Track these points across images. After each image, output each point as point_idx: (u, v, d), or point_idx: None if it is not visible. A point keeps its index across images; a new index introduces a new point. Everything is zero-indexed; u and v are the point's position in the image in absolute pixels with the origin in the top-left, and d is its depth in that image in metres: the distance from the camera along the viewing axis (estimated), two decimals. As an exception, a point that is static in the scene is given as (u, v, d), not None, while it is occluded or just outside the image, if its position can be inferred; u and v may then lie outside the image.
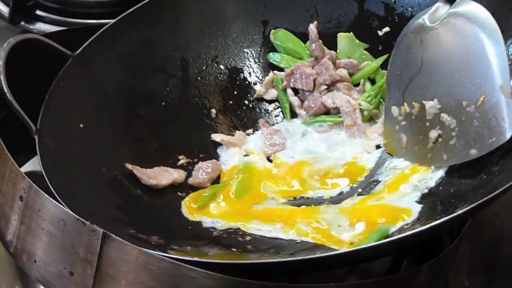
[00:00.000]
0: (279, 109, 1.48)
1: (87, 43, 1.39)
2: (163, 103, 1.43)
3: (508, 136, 1.13)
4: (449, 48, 1.25)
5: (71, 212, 1.04)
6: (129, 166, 1.29)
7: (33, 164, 1.20)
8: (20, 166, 1.17)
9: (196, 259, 1.04)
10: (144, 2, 1.47)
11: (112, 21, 1.43)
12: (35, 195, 1.07)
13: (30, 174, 1.12)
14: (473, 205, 1.02)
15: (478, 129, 1.17)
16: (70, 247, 1.04)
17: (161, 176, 1.31)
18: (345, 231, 1.20)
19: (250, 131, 1.45)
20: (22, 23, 1.69)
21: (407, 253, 1.21)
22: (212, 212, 1.27)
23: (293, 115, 1.47)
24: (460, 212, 1.02)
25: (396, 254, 1.24)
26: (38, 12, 1.71)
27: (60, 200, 1.09)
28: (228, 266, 1.05)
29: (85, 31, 1.40)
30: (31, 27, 1.68)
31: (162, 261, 0.99)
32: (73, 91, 1.34)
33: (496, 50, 1.17)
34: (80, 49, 1.38)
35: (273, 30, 1.54)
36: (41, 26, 1.69)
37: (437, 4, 1.31)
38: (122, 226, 1.16)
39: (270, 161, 1.39)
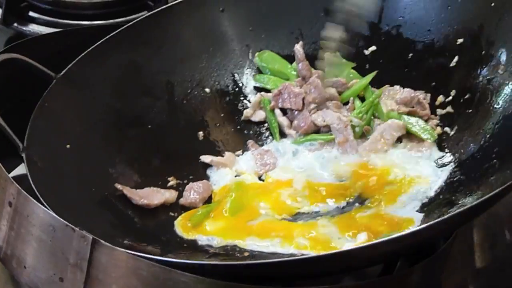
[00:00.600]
0: (268, 130, 1.45)
1: (71, 64, 1.37)
2: (150, 126, 1.40)
3: None
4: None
5: (60, 218, 1.02)
6: (119, 186, 1.26)
7: (23, 169, 1.15)
8: (10, 171, 1.17)
9: (186, 261, 1.04)
10: (130, 24, 1.45)
11: (98, 43, 1.40)
12: (24, 201, 1.06)
13: (20, 178, 1.11)
14: (470, 205, 1.02)
15: None
16: (60, 253, 1.03)
17: (153, 196, 1.27)
18: (346, 241, 1.17)
19: (239, 152, 1.42)
20: (15, 24, 1.67)
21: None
22: (207, 230, 1.23)
23: (282, 135, 1.43)
24: (457, 212, 1.02)
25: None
26: (31, 14, 1.70)
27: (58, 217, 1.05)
28: (221, 268, 1.03)
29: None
30: (24, 28, 1.67)
31: (152, 266, 0.98)
32: (58, 112, 1.31)
33: None
34: (64, 70, 1.35)
35: (258, 52, 1.52)
36: (34, 28, 1.67)
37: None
38: (118, 239, 1.12)
39: (262, 180, 1.35)
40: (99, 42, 1.40)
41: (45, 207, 1.06)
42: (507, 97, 1.28)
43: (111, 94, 1.39)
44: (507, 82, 1.29)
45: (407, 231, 1.06)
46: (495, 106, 1.29)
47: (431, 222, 0.99)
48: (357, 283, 1.10)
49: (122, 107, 1.39)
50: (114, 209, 1.23)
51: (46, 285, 1.04)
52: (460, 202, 1.15)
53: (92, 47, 1.39)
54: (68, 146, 1.27)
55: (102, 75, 1.39)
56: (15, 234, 1.07)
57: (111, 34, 1.42)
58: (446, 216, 1.00)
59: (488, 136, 1.26)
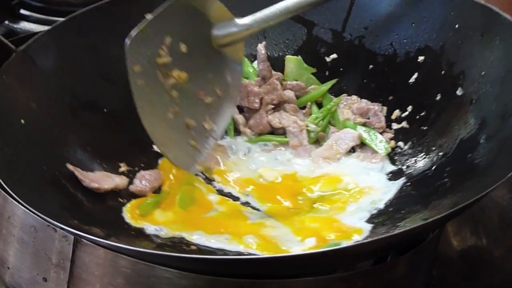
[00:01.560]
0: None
1: (31, 40, 1.35)
2: (105, 110, 1.38)
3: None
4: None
5: (41, 219, 1.02)
6: (70, 167, 1.24)
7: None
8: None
9: (171, 253, 1.05)
10: (92, 7, 1.43)
11: (60, 20, 1.38)
12: (4, 202, 1.07)
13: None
14: (412, 227, 1.05)
15: None
16: (42, 253, 1.04)
17: (103, 180, 1.26)
18: (295, 245, 1.17)
19: (193, 144, 1.41)
20: (6, 22, 1.67)
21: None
22: (156, 219, 1.23)
23: (236, 133, 1.43)
24: (400, 231, 1.05)
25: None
26: (23, 11, 1.70)
27: (9, 190, 1.05)
28: (209, 262, 1.02)
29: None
30: (15, 26, 1.67)
31: (136, 263, 0.99)
32: (15, 86, 1.29)
33: None
34: (24, 45, 1.32)
35: (220, 49, 1.51)
36: (25, 25, 1.68)
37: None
38: (65, 219, 1.10)
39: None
40: (61, 21, 1.39)
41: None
42: (462, 118, 1.29)
43: (68, 74, 1.37)
44: (464, 104, 1.30)
45: (351, 243, 1.08)
46: (450, 126, 1.30)
47: (374, 238, 1.03)
48: (339, 275, 1.08)
49: (78, 89, 1.37)
50: (63, 189, 1.22)
51: (30, 285, 1.05)
52: (408, 218, 1.17)
53: (54, 25, 1.38)
54: (22, 121, 1.25)
55: (61, 55, 1.38)
56: (-3, 236, 1.05)
57: (73, 15, 1.40)
58: (387, 235, 1.05)
59: (441, 154, 1.28)
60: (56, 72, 1.36)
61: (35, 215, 1.03)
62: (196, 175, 1.35)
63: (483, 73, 1.30)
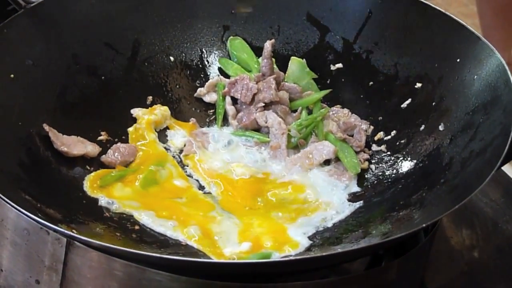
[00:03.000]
0: (214, 114, 1.48)
1: (44, -1, 1.40)
2: (103, 77, 1.44)
3: None
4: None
5: (35, 222, 1.04)
6: (46, 127, 1.30)
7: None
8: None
9: (162, 255, 1.05)
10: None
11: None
12: None
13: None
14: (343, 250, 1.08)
15: None
16: (35, 256, 1.06)
17: (75, 145, 1.31)
18: (230, 245, 1.21)
19: (179, 126, 1.45)
20: None
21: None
22: (112, 193, 1.28)
23: (225, 123, 1.46)
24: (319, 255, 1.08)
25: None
26: None
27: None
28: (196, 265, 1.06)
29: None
30: None
31: (127, 266, 1.01)
32: (13, 41, 1.34)
33: None
34: (35, 3, 1.38)
35: (231, 37, 1.54)
36: None
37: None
38: (18, 186, 1.16)
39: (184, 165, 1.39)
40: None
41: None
42: (433, 155, 1.29)
43: (73, 38, 1.42)
44: (441, 141, 1.30)
45: (265, 260, 1.11)
46: (420, 162, 1.30)
47: (291, 258, 1.06)
48: (328, 280, 1.12)
49: (80, 53, 1.42)
50: (34, 148, 1.27)
51: (22, 287, 1.07)
52: (345, 243, 1.18)
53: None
54: (12, 76, 1.30)
55: (71, 18, 1.43)
56: (-11, 239, 1.09)
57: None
58: (302, 257, 1.06)
59: (400, 187, 1.28)
60: (60, 33, 1.41)
61: (29, 218, 1.05)
62: (177, 156, 1.39)
63: (465, 115, 1.28)
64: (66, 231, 1.02)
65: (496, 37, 1.22)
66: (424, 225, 1.07)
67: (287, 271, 1.09)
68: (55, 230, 1.02)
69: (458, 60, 1.35)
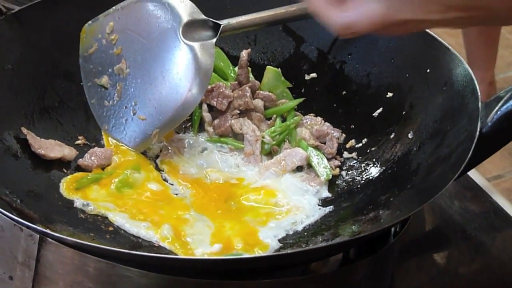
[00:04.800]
0: (190, 121, 1.51)
1: (26, 5, 1.43)
2: (82, 83, 1.45)
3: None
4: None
5: (8, 218, 1.07)
6: (24, 130, 1.33)
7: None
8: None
9: (125, 250, 1.07)
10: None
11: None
12: None
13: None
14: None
15: None
16: (8, 252, 1.07)
17: (52, 148, 1.34)
18: (202, 247, 1.23)
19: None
20: None
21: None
22: (87, 194, 1.30)
23: (201, 130, 1.49)
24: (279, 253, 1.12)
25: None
26: None
27: None
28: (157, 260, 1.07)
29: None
30: None
31: (98, 262, 1.03)
32: (-7, 45, 1.36)
33: None
34: (16, 9, 1.41)
35: (208, 46, 1.57)
36: None
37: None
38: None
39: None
40: (59, -8, 1.46)
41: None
42: (402, 162, 1.32)
43: (54, 43, 1.44)
44: (409, 148, 1.33)
45: (235, 256, 1.14)
46: (388, 168, 1.34)
47: (254, 256, 1.08)
48: (296, 278, 1.15)
49: (60, 58, 1.45)
50: (11, 150, 1.30)
51: None
52: (314, 243, 1.21)
53: (51, -5, 1.45)
54: (-8, 79, 1.33)
55: (50, 24, 1.45)
56: (-36, 235, 1.11)
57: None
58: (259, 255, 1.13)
59: (369, 192, 1.31)
60: (41, 38, 1.43)
61: (2, 215, 1.07)
62: (153, 161, 1.42)
63: (433, 123, 1.32)
64: (39, 228, 1.04)
65: (480, 55, 1.24)
66: (389, 224, 1.10)
67: (255, 269, 1.11)
68: (28, 227, 1.05)
69: (428, 70, 1.39)
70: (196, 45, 1.32)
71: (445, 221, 1.48)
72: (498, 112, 1.18)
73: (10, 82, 1.37)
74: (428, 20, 0.90)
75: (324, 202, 1.34)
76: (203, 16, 1.34)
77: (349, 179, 1.38)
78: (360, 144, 1.43)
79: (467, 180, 1.55)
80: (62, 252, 1.04)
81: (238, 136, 1.47)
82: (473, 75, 1.28)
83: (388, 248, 1.21)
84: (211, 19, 1.34)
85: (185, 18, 1.33)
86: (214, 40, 1.33)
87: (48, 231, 1.04)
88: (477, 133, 1.17)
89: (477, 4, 0.87)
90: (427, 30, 1.40)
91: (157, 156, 1.43)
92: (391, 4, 0.90)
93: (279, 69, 1.54)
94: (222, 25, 1.33)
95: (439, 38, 1.39)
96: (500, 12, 0.88)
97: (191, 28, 1.34)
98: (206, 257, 1.18)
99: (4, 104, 1.34)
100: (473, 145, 1.16)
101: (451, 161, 1.19)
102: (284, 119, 1.49)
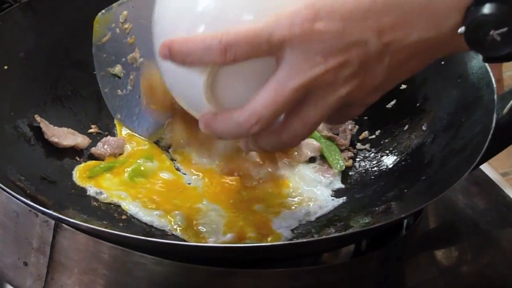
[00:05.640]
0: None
1: (40, -7, 1.43)
2: (94, 72, 1.45)
3: None
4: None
5: (24, 204, 1.07)
6: (38, 118, 1.33)
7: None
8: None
9: (144, 238, 1.07)
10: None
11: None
12: None
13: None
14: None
15: None
16: (23, 238, 1.07)
17: (65, 136, 1.34)
18: (215, 236, 1.23)
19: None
20: None
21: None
22: (100, 183, 1.30)
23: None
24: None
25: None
26: None
27: None
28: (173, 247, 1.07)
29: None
30: None
31: (113, 249, 1.03)
32: (7, 34, 1.37)
33: None
34: (31, -3, 1.41)
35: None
36: None
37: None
38: (10, 173, 1.20)
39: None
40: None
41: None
42: (415, 154, 1.32)
43: (67, 32, 1.44)
44: (423, 140, 1.33)
45: (250, 244, 1.15)
46: (402, 160, 1.34)
47: (271, 244, 1.10)
48: (307, 268, 1.14)
49: (73, 47, 1.44)
50: (25, 138, 1.31)
51: (11, 270, 1.08)
52: (326, 234, 1.21)
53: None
54: (5, 67, 1.33)
55: (64, 13, 1.45)
56: (-21, 221, 1.11)
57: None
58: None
59: (382, 183, 1.31)
60: (54, 28, 1.43)
61: (19, 201, 1.07)
62: (166, 150, 1.42)
63: (447, 115, 1.31)
64: (54, 213, 1.04)
65: None
66: (401, 216, 1.10)
67: (268, 258, 1.11)
68: (43, 213, 1.05)
69: (442, 62, 1.38)
70: None
71: (456, 215, 1.48)
72: (514, 104, 1.18)
73: (23, 70, 1.37)
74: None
75: (337, 193, 1.34)
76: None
77: (362, 171, 1.37)
78: (374, 136, 1.42)
79: (478, 174, 1.55)
80: (77, 239, 1.04)
81: (251, 127, 1.45)
82: (488, 67, 1.27)
83: (400, 240, 1.20)
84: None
85: None
86: None
87: (64, 217, 1.03)
88: (493, 125, 1.16)
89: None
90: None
91: (169, 146, 1.42)
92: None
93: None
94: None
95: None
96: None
97: None
98: (221, 244, 1.17)
99: (18, 92, 1.34)
100: (489, 137, 1.15)
101: (466, 153, 1.18)
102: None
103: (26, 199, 1.07)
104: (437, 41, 0.89)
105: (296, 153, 1.39)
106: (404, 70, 0.95)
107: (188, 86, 0.97)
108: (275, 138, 0.94)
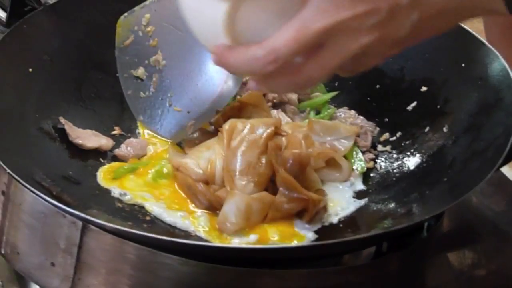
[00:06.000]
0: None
1: (66, -2, 1.44)
2: (117, 74, 1.46)
3: None
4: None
5: (51, 205, 1.08)
6: (62, 120, 1.34)
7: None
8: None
9: (171, 239, 1.08)
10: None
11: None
12: (15, 190, 1.12)
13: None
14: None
15: None
16: (51, 239, 1.08)
17: (89, 138, 1.35)
18: (238, 237, 1.24)
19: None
20: None
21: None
22: (124, 184, 1.31)
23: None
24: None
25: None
26: None
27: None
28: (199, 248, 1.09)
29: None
30: None
31: (139, 249, 1.04)
32: (33, 37, 1.39)
33: None
34: (54, 0, 1.42)
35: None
36: None
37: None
38: (36, 175, 1.20)
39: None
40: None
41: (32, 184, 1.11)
42: (437, 155, 1.32)
43: (91, 34, 1.46)
44: (444, 142, 1.33)
45: (274, 245, 1.15)
46: (423, 162, 1.34)
47: (295, 245, 1.10)
48: (331, 268, 1.16)
49: (96, 50, 1.46)
50: (50, 139, 1.32)
51: (38, 270, 1.09)
52: (348, 236, 1.22)
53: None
54: (30, 70, 1.35)
55: (88, 16, 1.47)
56: (8, 222, 1.12)
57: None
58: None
59: (403, 185, 1.31)
60: (78, 29, 1.45)
61: (46, 202, 1.08)
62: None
63: (468, 117, 1.32)
64: (81, 214, 1.05)
65: (502, 55, 1.25)
66: (422, 218, 1.11)
67: (291, 258, 1.12)
68: (71, 214, 1.06)
69: (463, 65, 1.39)
70: None
71: (476, 216, 1.48)
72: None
73: (47, 73, 1.38)
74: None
75: (358, 195, 1.35)
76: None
77: (384, 172, 1.38)
78: (394, 138, 1.43)
79: (496, 175, 1.55)
80: (104, 239, 1.05)
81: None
82: (509, 70, 1.28)
83: (421, 242, 1.21)
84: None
85: None
86: None
87: (91, 217, 1.04)
88: (515, 126, 1.17)
89: None
90: (460, 24, 1.39)
91: (191, 147, 1.43)
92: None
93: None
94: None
95: (473, 32, 1.39)
96: None
97: None
98: (245, 245, 1.18)
99: (42, 94, 1.35)
100: (511, 139, 1.16)
101: (488, 155, 1.19)
102: (317, 112, 1.49)
103: (53, 199, 1.08)
104: None
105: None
106: (430, 27, 0.91)
107: (208, 18, 0.92)
108: (289, 79, 0.89)
